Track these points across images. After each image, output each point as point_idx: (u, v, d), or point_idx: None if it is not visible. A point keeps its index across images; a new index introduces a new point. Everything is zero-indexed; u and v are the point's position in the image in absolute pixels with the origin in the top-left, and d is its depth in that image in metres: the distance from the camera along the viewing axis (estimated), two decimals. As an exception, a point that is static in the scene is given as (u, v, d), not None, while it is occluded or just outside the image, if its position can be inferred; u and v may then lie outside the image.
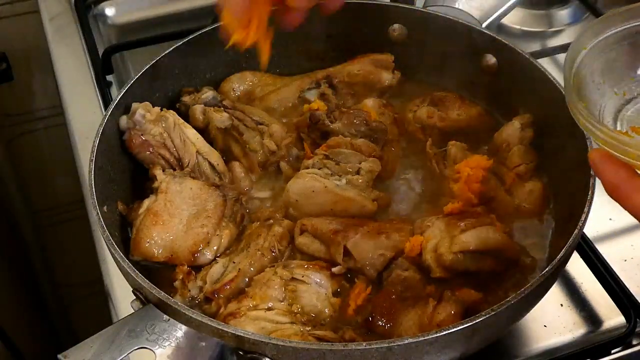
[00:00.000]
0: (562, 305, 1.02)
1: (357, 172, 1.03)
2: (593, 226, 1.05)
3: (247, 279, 0.93)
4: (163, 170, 1.03)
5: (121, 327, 0.79)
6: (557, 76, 1.03)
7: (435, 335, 0.75)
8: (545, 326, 0.99)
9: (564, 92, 0.66)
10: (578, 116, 0.63)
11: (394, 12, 1.22)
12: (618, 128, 0.69)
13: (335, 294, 0.92)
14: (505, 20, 1.49)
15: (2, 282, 1.89)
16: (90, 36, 1.46)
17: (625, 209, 0.61)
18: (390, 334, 0.87)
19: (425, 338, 0.75)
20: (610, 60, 0.71)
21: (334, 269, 0.94)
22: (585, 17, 1.57)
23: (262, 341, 0.76)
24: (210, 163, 1.07)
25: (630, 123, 0.69)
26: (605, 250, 1.04)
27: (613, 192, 0.62)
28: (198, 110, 1.10)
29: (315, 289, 0.91)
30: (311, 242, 0.97)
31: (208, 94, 1.13)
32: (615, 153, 0.60)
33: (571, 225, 0.87)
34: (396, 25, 1.22)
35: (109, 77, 1.40)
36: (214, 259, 0.96)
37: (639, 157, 0.59)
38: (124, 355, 0.77)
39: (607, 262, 1.02)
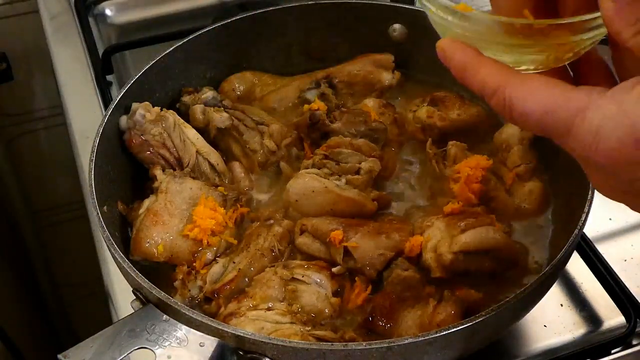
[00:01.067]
0: (562, 305, 1.02)
1: (357, 172, 1.03)
2: (593, 226, 1.05)
3: (247, 279, 0.93)
4: (163, 170, 1.03)
5: (121, 327, 0.79)
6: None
7: (435, 335, 0.75)
8: (545, 326, 0.99)
9: None
10: (429, 6, 0.62)
11: (394, 12, 1.22)
12: None
13: (335, 294, 0.92)
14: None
15: (2, 282, 1.89)
16: (90, 36, 1.46)
17: (473, 89, 0.59)
18: (390, 334, 0.87)
19: (425, 338, 0.75)
20: None
21: (334, 269, 0.94)
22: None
23: (262, 341, 0.76)
24: (210, 163, 1.07)
25: None
26: (605, 250, 1.04)
27: (460, 73, 0.60)
28: (198, 110, 1.10)
29: (315, 289, 0.91)
30: (311, 242, 0.97)
31: (208, 94, 1.12)
32: (458, 33, 0.60)
33: (571, 225, 0.87)
34: (396, 25, 1.22)
35: (109, 77, 1.39)
36: (214, 259, 0.96)
37: (477, 33, 0.59)
38: (124, 355, 0.77)
39: (607, 262, 1.02)
